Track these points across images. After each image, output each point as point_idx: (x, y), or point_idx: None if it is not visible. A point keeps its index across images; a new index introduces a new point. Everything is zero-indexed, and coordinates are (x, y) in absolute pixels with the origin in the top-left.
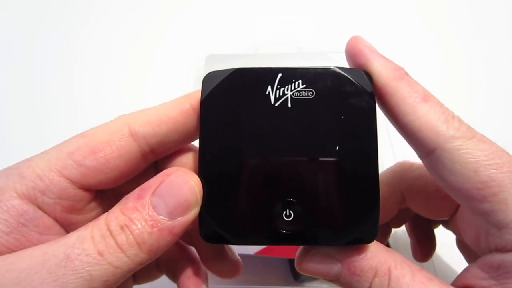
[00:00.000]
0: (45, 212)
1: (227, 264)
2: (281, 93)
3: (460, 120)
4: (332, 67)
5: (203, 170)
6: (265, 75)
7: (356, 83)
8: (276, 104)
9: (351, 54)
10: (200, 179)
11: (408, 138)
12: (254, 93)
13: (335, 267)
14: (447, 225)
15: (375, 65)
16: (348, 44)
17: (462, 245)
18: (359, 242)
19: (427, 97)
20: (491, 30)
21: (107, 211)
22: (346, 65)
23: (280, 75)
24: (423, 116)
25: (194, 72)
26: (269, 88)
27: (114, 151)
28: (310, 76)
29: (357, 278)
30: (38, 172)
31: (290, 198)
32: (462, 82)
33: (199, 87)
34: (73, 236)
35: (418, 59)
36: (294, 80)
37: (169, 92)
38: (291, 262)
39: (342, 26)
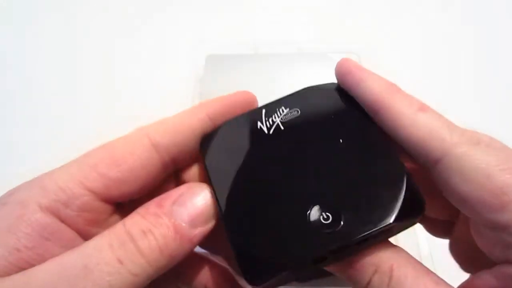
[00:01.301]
0: (68, 225)
1: None
2: (271, 123)
3: (463, 128)
4: (307, 87)
5: (226, 212)
6: (251, 116)
7: (333, 90)
8: (271, 132)
9: (341, 74)
10: (227, 221)
11: (412, 150)
12: (247, 132)
13: None
14: (448, 231)
15: (368, 82)
16: (337, 65)
17: (457, 252)
18: (408, 216)
19: (424, 107)
20: (490, 30)
21: None
22: None
23: (264, 110)
24: (424, 125)
25: (194, 72)
26: (259, 123)
27: (137, 162)
28: (290, 100)
29: (355, 272)
30: (60, 184)
31: (318, 204)
32: (463, 82)
33: (199, 87)
34: (90, 245)
35: (417, 59)
36: (277, 109)
37: (169, 92)
38: None
39: (342, 27)
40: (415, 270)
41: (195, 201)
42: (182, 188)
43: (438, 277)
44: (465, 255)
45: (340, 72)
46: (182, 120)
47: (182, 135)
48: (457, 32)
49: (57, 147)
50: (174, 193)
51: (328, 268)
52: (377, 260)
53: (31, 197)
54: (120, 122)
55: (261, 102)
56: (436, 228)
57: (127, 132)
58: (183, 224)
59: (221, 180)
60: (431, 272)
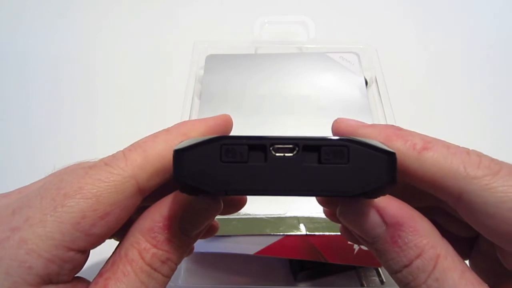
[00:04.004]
0: (59, 283)
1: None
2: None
3: (479, 154)
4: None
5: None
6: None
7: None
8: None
9: (337, 133)
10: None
11: (431, 191)
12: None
13: (379, 228)
14: (468, 250)
15: (366, 134)
16: (332, 127)
17: (480, 268)
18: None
19: (428, 144)
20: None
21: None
22: (344, 64)
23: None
24: (432, 165)
25: (194, 72)
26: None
27: (123, 212)
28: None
29: (396, 250)
30: (46, 256)
31: None
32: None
33: (199, 87)
34: None
35: (417, 59)
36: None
37: (169, 92)
38: (291, 262)
39: (342, 26)
40: (461, 265)
41: (199, 213)
42: (177, 200)
43: (479, 278)
44: (488, 269)
45: (336, 133)
46: (168, 156)
47: (167, 172)
48: (457, 32)
49: (57, 148)
50: (174, 209)
51: (361, 236)
52: (424, 244)
53: (18, 281)
54: (120, 123)
55: (260, 101)
56: (456, 247)
57: (126, 132)
58: (191, 238)
59: None
60: (473, 271)
